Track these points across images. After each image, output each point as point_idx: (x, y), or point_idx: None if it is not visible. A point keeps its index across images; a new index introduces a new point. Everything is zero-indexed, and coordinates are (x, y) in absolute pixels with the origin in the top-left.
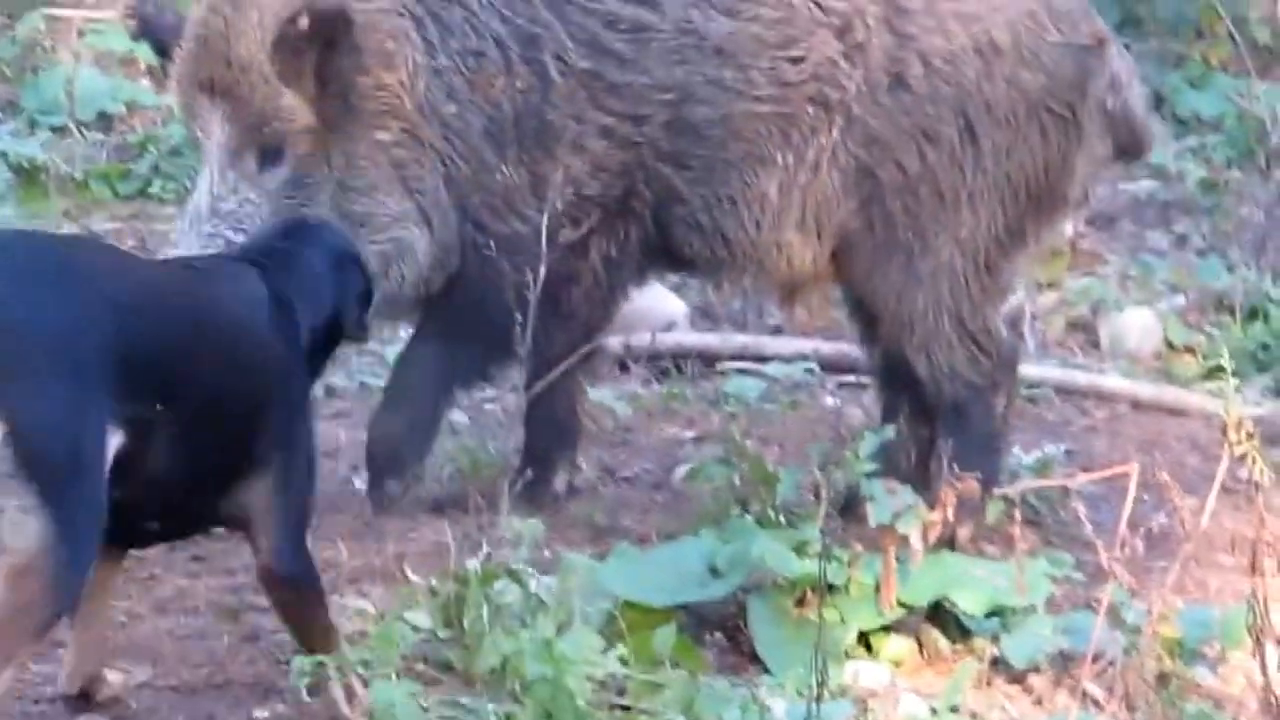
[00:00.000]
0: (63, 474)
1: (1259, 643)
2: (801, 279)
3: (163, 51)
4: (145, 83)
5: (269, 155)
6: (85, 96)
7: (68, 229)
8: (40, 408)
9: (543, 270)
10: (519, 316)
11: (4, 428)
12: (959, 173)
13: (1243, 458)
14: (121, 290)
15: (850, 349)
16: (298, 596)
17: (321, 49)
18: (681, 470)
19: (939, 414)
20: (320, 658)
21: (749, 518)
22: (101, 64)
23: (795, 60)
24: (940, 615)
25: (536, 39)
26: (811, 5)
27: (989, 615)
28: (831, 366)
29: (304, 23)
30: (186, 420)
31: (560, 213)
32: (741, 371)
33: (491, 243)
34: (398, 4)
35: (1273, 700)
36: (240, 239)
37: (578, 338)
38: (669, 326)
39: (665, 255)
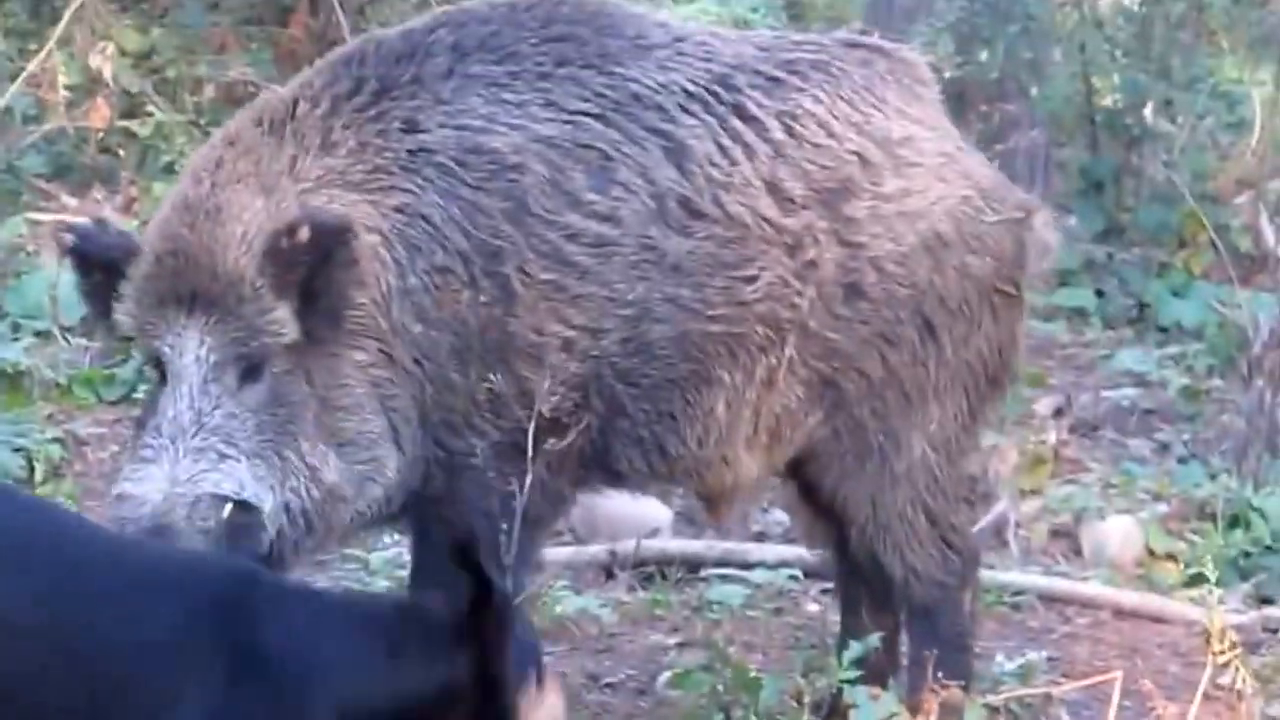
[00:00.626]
0: None
1: None
2: (740, 490)
3: (107, 268)
4: None
5: (248, 372)
6: (68, 301)
7: (51, 433)
8: None
9: (528, 481)
10: (488, 528)
11: None
12: (923, 370)
13: (1226, 665)
14: None
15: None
16: None
17: (317, 262)
18: (665, 676)
19: (907, 613)
20: None
21: None
22: None
23: (749, 280)
24: None
25: (499, 252)
26: (763, 224)
27: None
28: (814, 573)
29: (304, 234)
30: None
31: (514, 427)
32: (725, 578)
33: (453, 459)
34: (365, 219)
35: None
36: (231, 452)
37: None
38: (653, 533)
39: (601, 467)
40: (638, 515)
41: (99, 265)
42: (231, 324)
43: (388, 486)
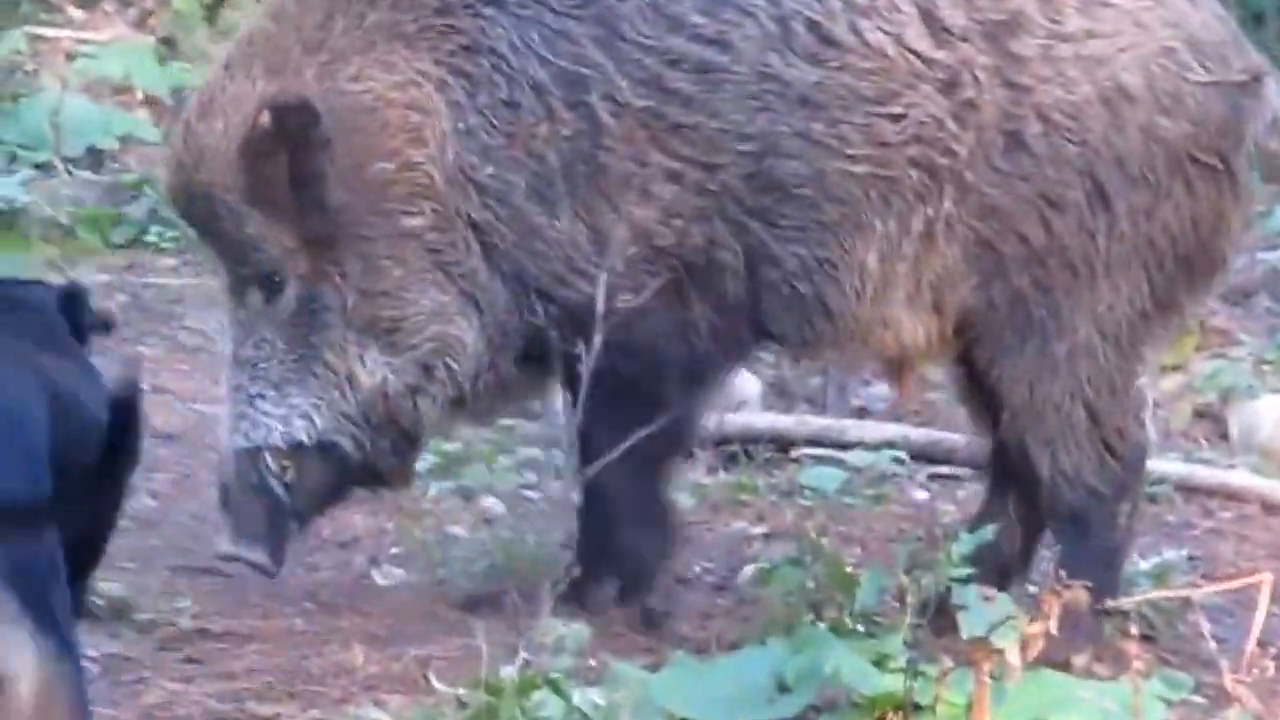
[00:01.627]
0: None
1: None
2: (911, 358)
3: None
4: (142, 114)
5: (270, 286)
6: (73, 129)
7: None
8: None
9: (597, 340)
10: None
11: None
12: (1091, 240)
13: None
14: None
15: (944, 436)
16: None
17: (293, 150)
18: (749, 571)
19: (1053, 519)
20: None
21: (823, 626)
22: (92, 92)
23: (895, 118)
24: None
25: (583, 80)
26: (910, 56)
27: None
28: (922, 455)
29: (265, 121)
30: None
31: (627, 271)
32: (819, 459)
33: (572, 313)
34: (413, 72)
35: None
36: (261, 389)
37: (651, 417)
38: (738, 406)
39: (756, 327)
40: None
41: None
42: (233, 241)
43: (472, 359)
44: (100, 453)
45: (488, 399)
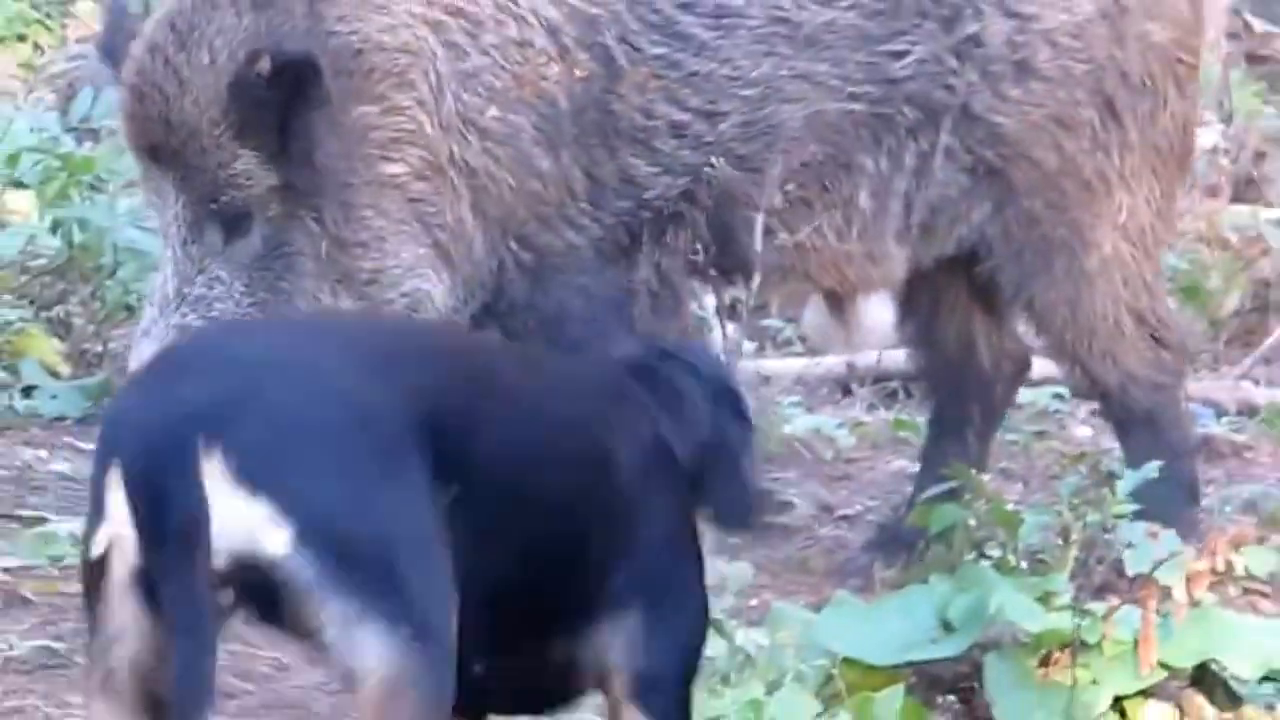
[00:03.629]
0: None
1: None
2: (882, 288)
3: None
4: None
5: (233, 225)
6: None
7: None
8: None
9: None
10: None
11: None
12: (1105, 156)
13: None
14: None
15: None
16: None
17: (287, 99)
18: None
19: (1127, 425)
20: None
21: (987, 564)
22: None
23: (897, 55)
24: (1207, 679)
25: (596, 21)
26: None
27: (1263, 680)
28: (1083, 392)
29: (265, 66)
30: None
31: (615, 222)
32: None
33: (542, 260)
34: (406, 15)
35: None
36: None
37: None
38: (896, 343)
39: (720, 264)
40: (880, 323)
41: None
42: (199, 176)
43: (439, 313)
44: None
45: None
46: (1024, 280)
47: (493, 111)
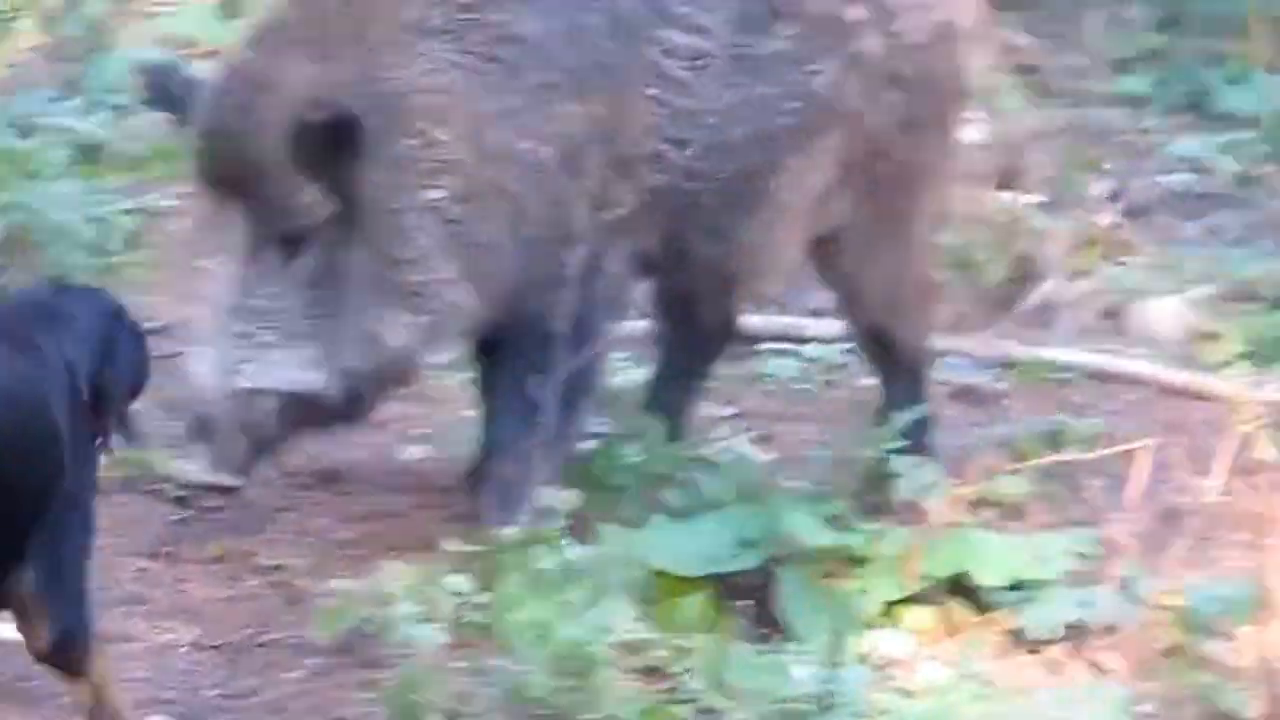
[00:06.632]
0: None
1: (1267, 617)
2: (779, 273)
3: (177, 109)
4: (206, 64)
5: (293, 247)
6: None
7: (126, 205)
8: None
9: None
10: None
11: None
12: (938, 153)
13: (1249, 438)
14: None
15: None
16: (80, 666)
17: (338, 143)
18: (718, 446)
19: (903, 379)
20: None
21: (781, 492)
22: (164, 45)
23: (815, 73)
24: (963, 587)
25: (604, 68)
26: (828, 18)
27: (1010, 588)
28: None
29: (320, 115)
30: None
31: (590, 240)
32: (780, 352)
33: (550, 275)
34: (442, 62)
35: (1276, 672)
36: (273, 339)
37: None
38: None
39: (671, 260)
40: None
41: (171, 109)
42: (266, 205)
43: (467, 325)
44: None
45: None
46: (863, 261)
47: (526, 144)
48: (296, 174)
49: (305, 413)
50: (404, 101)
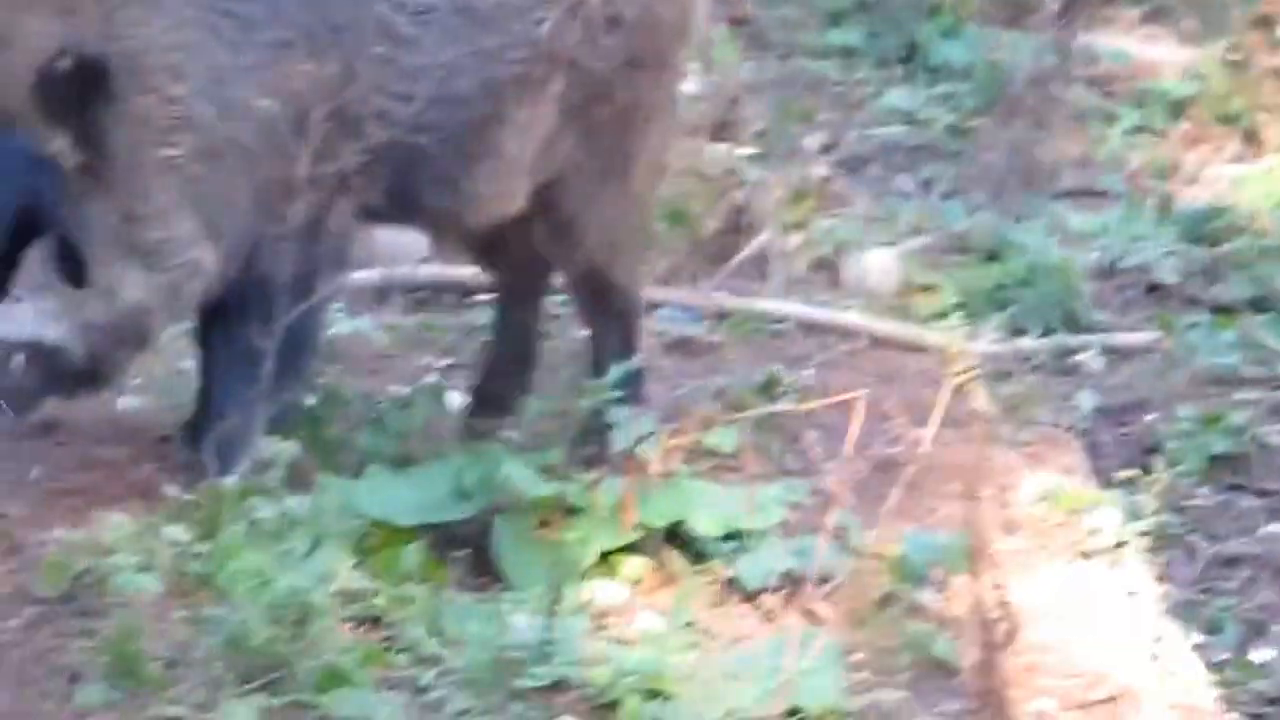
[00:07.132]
0: None
1: (979, 567)
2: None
3: None
4: None
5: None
6: None
7: None
8: None
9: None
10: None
11: None
12: (659, 92)
13: (961, 389)
14: None
15: None
16: None
17: (83, 93)
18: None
19: (613, 320)
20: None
21: (497, 442)
22: None
23: (539, 22)
24: (678, 537)
25: (340, 28)
26: None
27: (725, 538)
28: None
29: (65, 64)
30: None
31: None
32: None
33: (273, 230)
34: (182, 15)
35: (987, 621)
36: (18, 290)
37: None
38: (425, 259)
39: (401, 208)
40: (408, 243)
41: None
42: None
43: (206, 283)
44: None
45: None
46: (583, 204)
47: (264, 102)
48: (44, 123)
49: (49, 370)
50: (142, 57)
